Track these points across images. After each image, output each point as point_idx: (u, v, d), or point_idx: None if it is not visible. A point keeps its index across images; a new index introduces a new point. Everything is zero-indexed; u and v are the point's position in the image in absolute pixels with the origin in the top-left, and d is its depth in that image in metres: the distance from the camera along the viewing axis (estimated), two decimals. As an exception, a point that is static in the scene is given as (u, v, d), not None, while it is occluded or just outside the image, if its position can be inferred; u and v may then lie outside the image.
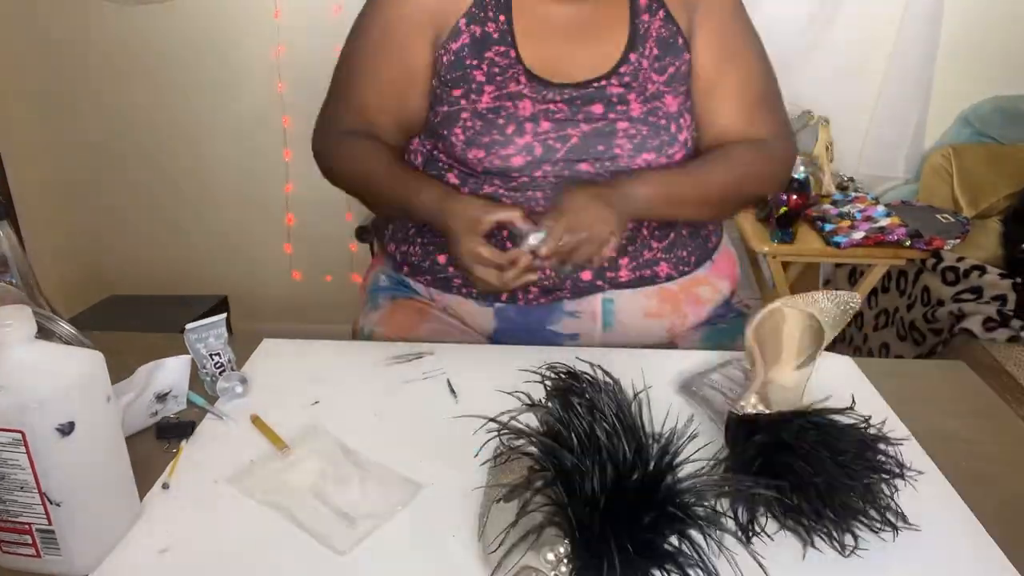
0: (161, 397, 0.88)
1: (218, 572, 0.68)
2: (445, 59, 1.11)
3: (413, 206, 1.08)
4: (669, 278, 1.15)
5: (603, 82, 1.10)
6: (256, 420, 0.87)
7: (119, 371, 0.93)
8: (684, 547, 0.59)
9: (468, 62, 1.10)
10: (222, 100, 2.66)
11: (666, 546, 0.59)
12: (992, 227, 2.32)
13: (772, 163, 1.19)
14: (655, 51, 1.12)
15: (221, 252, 2.86)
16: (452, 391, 0.94)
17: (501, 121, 1.07)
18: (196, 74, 2.62)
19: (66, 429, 0.62)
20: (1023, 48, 2.49)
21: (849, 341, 2.57)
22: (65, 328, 0.88)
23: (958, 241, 2.19)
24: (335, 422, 0.88)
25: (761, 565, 0.60)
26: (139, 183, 2.78)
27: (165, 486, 0.77)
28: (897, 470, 0.72)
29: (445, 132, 1.11)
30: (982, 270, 2.06)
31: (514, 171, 1.08)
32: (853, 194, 2.42)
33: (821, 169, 2.43)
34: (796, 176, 2.13)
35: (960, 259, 2.12)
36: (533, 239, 0.98)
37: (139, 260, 2.88)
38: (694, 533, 0.59)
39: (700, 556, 0.59)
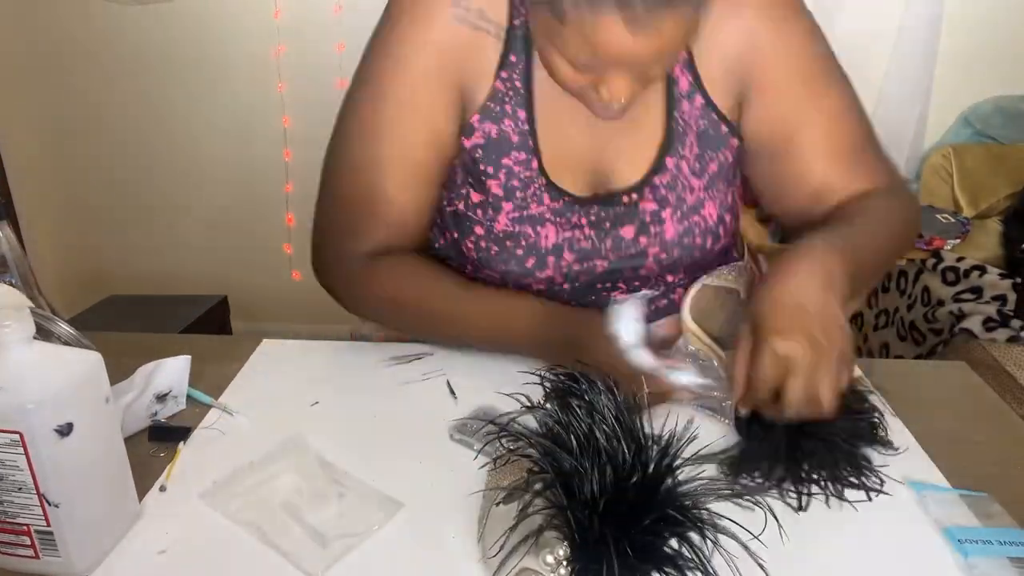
0: (161, 397, 0.88)
1: (217, 574, 0.68)
2: (464, 156, 0.95)
3: (511, 332, 0.91)
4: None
5: (634, 196, 0.94)
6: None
7: (119, 371, 0.93)
8: (684, 550, 0.59)
9: (483, 168, 0.93)
10: (222, 100, 2.66)
11: (665, 548, 0.59)
12: (992, 227, 2.32)
13: (904, 209, 0.98)
14: (695, 149, 0.95)
15: (221, 252, 2.86)
16: (452, 392, 0.94)
17: (520, 252, 0.94)
18: (196, 74, 2.63)
19: (65, 430, 0.62)
20: (1023, 48, 2.49)
21: (849, 341, 2.57)
22: (64, 328, 0.87)
23: (958, 241, 2.19)
24: (334, 423, 0.88)
25: (762, 567, 0.60)
26: (139, 183, 2.78)
27: (162, 489, 0.77)
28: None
29: (457, 235, 0.98)
30: (982, 270, 2.06)
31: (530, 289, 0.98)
32: (853, 194, 2.42)
33: (821, 169, 2.43)
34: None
35: (960, 259, 2.12)
36: (685, 378, 0.82)
37: (139, 260, 2.89)
38: (693, 535, 0.59)
39: (700, 558, 0.59)
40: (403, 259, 0.96)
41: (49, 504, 0.62)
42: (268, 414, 0.89)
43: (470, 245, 0.97)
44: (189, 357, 0.92)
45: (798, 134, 0.95)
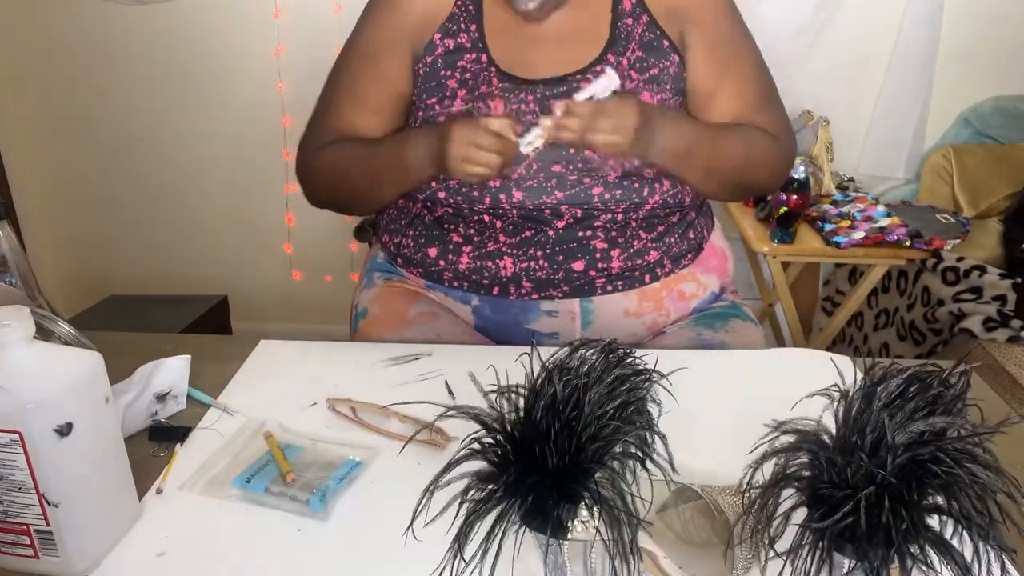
0: (161, 397, 0.89)
1: (216, 574, 0.68)
2: (421, 71, 1.13)
3: (408, 158, 1.08)
4: (659, 266, 1.15)
5: (577, 77, 1.10)
6: (269, 438, 0.85)
7: (119, 371, 0.93)
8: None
9: (442, 72, 1.12)
10: (222, 100, 2.66)
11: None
12: (992, 227, 2.32)
13: (779, 153, 1.19)
14: (638, 53, 1.12)
15: (221, 252, 2.86)
16: (450, 392, 0.94)
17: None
18: (196, 74, 2.62)
19: (64, 430, 0.62)
20: (1023, 48, 2.49)
21: (849, 341, 2.57)
22: (65, 328, 0.87)
23: (958, 241, 2.19)
24: (334, 424, 0.88)
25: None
26: (139, 183, 2.78)
27: (159, 491, 0.77)
28: None
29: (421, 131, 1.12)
30: (982, 270, 2.06)
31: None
32: (853, 194, 2.42)
33: (821, 169, 2.43)
34: (796, 176, 2.13)
35: (960, 259, 2.12)
36: (532, 135, 0.99)
37: (139, 260, 2.88)
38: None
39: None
40: (342, 141, 1.16)
41: (48, 504, 0.62)
42: (265, 415, 0.89)
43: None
44: (189, 357, 0.92)
45: (720, 88, 1.14)
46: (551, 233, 1.10)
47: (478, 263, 1.12)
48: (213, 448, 0.84)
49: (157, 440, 0.85)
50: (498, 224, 1.10)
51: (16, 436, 0.60)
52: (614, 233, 1.11)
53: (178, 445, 0.84)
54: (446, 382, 0.96)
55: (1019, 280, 1.98)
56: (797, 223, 2.18)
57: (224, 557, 0.70)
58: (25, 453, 0.60)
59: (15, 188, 2.61)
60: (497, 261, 1.11)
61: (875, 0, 2.44)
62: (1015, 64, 2.49)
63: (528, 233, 1.10)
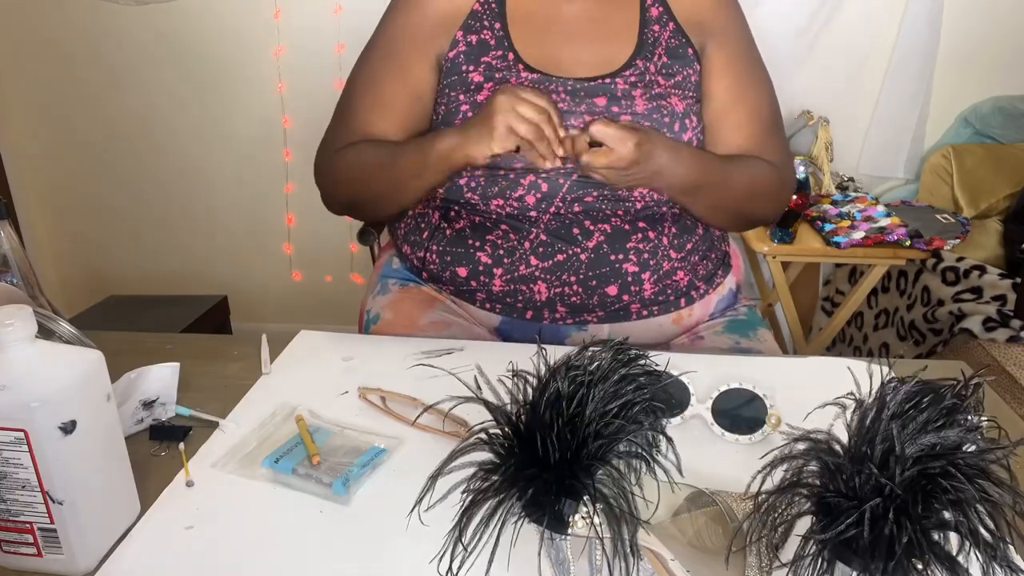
0: (148, 404, 0.88)
1: (221, 569, 0.68)
2: (445, 67, 1.13)
3: (438, 147, 1.05)
4: (692, 288, 1.16)
5: (607, 80, 1.11)
6: (299, 422, 0.86)
7: (119, 371, 0.93)
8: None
9: (464, 67, 1.11)
10: (222, 100, 2.66)
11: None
12: (992, 227, 2.32)
13: (780, 184, 1.21)
14: (664, 59, 1.14)
15: (221, 252, 2.86)
16: (478, 385, 0.93)
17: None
18: (196, 74, 2.62)
19: (68, 427, 0.62)
20: (1023, 48, 2.49)
21: (849, 341, 2.58)
22: (66, 328, 0.88)
23: (958, 241, 2.19)
24: (363, 412, 0.89)
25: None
26: (139, 183, 2.78)
27: (189, 484, 0.78)
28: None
29: (445, 127, 1.11)
30: (982, 270, 2.06)
31: (514, 165, 1.08)
32: (853, 194, 2.42)
33: (821, 169, 2.44)
34: (796, 176, 2.14)
35: (960, 259, 2.13)
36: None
37: (139, 260, 2.89)
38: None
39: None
40: (362, 143, 1.15)
41: (53, 501, 0.63)
42: (299, 401, 0.90)
43: (457, 123, 1.09)
44: (178, 365, 0.92)
45: (736, 104, 1.17)
46: (583, 257, 1.09)
47: (512, 286, 1.12)
48: (244, 432, 0.86)
49: (158, 440, 0.85)
50: (527, 245, 1.09)
51: (21, 434, 0.60)
52: (646, 255, 1.11)
53: (180, 444, 0.84)
54: (475, 376, 0.95)
55: (1019, 280, 1.99)
56: (797, 223, 2.18)
57: (248, 532, 0.71)
58: (30, 451, 0.61)
59: (16, 188, 2.61)
60: (531, 285, 1.11)
61: (875, 0, 2.44)
62: (1015, 64, 2.49)
63: (560, 257, 1.09)
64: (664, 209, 1.14)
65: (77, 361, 0.66)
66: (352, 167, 1.16)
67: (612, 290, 1.10)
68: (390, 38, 1.17)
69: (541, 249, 1.10)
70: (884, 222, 2.21)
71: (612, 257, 1.10)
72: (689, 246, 1.16)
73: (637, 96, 1.10)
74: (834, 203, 2.35)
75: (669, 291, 1.14)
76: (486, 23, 1.13)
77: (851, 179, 2.55)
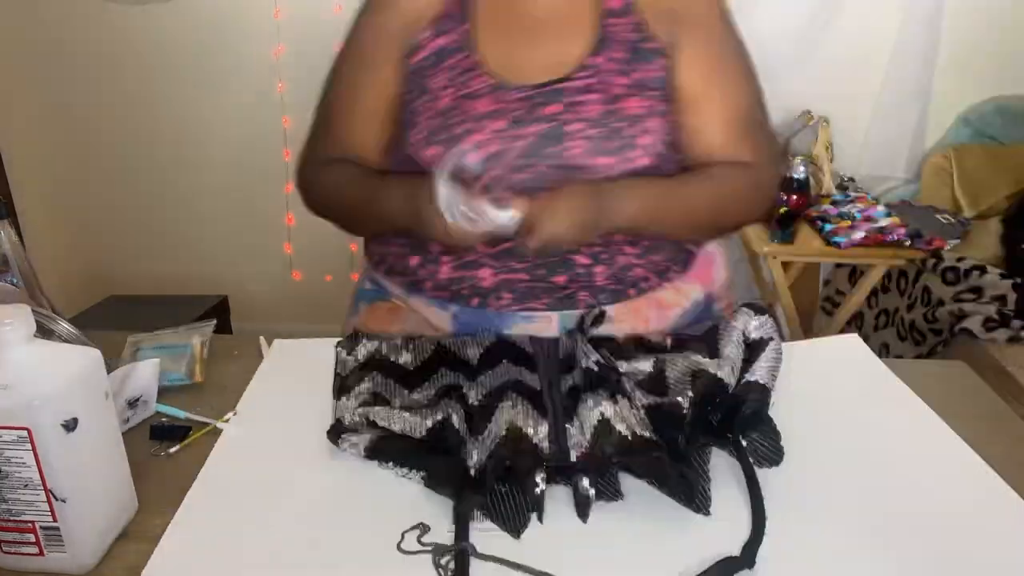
0: (132, 403, 0.88)
1: (221, 567, 0.68)
2: (409, 71, 1.11)
3: (387, 208, 1.06)
4: (643, 279, 1.12)
5: (563, 84, 1.07)
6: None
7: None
8: None
9: (428, 72, 1.10)
10: (222, 100, 2.66)
11: None
12: (992, 227, 2.32)
13: (758, 190, 1.15)
14: (622, 54, 1.09)
15: (221, 252, 2.86)
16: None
17: (458, 118, 1.06)
18: (196, 74, 2.63)
19: (70, 425, 0.62)
20: (1023, 48, 2.49)
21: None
22: (65, 327, 0.88)
23: (958, 241, 2.19)
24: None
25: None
26: (139, 183, 2.79)
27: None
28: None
29: (406, 133, 1.10)
30: (982, 270, 2.06)
31: (470, 170, 1.04)
32: (853, 194, 2.42)
33: (821, 169, 2.44)
34: (796, 176, 2.14)
35: (960, 259, 2.13)
36: (503, 216, 0.93)
37: (139, 260, 2.89)
38: None
39: None
40: (343, 165, 1.14)
41: (56, 499, 0.63)
42: (282, 415, 0.90)
43: (416, 130, 1.09)
44: (158, 361, 0.91)
45: (709, 93, 1.10)
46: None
47: (457, 273, 1.10)
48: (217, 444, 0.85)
49: (158, 439, 0.85)
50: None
51: (24, 433, 0.60)
52: (598, 248, 1.08)
53: (175, 445, 0.84)
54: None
55: (1019, 280, 1.99)
56: (797, 223, 2.18)
57: (232, 545, 0.71)
58: (33, 449, 0.61)
59: (16, 188, 2.61)
60: (476, 272, 1.09)
61: (875, 1, 2.44)
62: (1015, 64, 2.50)
63: (509, 244, 1.06)
64: None
65: (76, 359, 0.66)
66: (331, 194, 1.16)
67: (560, 279, 1.08)
68: (360, 41, 1.16)
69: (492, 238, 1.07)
70: (884, 222, 2.21)
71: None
72: (647, 243, 1.11)
73: (591, 100, 1.07)
74: (834, 203, 2.36)
75: (621, 283, 1.11)
76: (451, 25, 1.10)
77: (851, 179, 2.55)
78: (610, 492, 0.76)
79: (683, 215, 1.09)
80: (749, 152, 1.12)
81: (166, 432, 0.86)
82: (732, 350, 0.92)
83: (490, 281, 1.08)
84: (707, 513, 0.73)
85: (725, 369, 0.87)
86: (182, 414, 0.88)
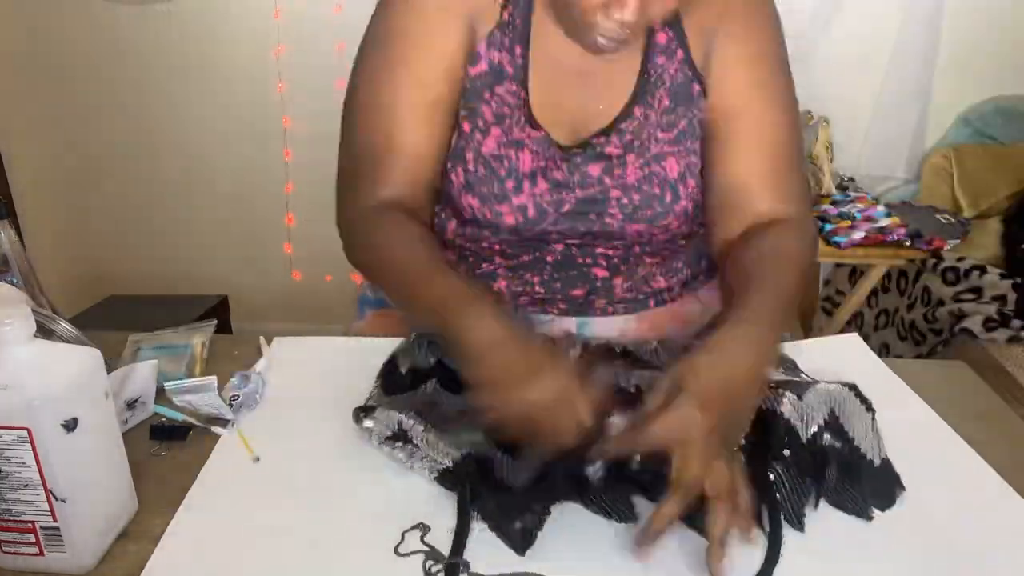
0: (131, 404, 0.87)
1: (222, 567, 0.68)
2: (466, 83, 0.98)
3: (452, 330, 0.80)
4: (667, 290, 1.07)
5: (602, 139, 0.98)
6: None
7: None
8: None
9: (484, 93, 0.98)
10: (222, 100, 2.66)
11: None
12: (992, 227, 2.32)
13: (812, 249, 1.00)
14: (665, 102, 0.98)
15: (221, 252, 2.86)
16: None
17: (503, 172, 0.97)
18: (196, 74, 2.63)
19: (70, 425, 0.62)
20: (1023, 48, 2.49)
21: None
22: (65, 328, 0.88)
23: (958, 241, 2.19)
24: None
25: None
26: (139, 183, 2.78)
27: (256, 459, 0.81)
28: None
29: (448, 166, 1.00)
30: (982, 270, 2.06)
31: (504, 227, 0.99)
32: (853, 194, 2.42)
33: (821, 169, 2.44)
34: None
35: (960, 259, 2.13)
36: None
37: (139, 260, 2.89)
38: None
39: None
40: (402, 222, 0.95)
41: (56, 499, 0.63)
42: (283, 415, 0.90)
43: (460, 170, 0.98)
44: (155, 362, 0.91)
45: (743, 110, 0.98)
46: (549, 259, 1.02)
47: (472, 283, 1.00)
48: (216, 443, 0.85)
49: (158, 439, 0.85)
50: (496, 247, 1.03)
51: (24, 433, 0.60)
52: (616, 260, 1.02)
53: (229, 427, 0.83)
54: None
55: (1019, 280, 1.99)
56: (797, 223, 2.18)
57: (232, 543, 0.71)
58: (33, 450, 0.61)
59: (16, 188, 2.61)
60: (491, 283, 1.04)
61: (875, 1, 2.44)
62: (1015, 64, 2.50)
63: (525, 258, 1.03)
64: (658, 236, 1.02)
65: (76, 359, 0.66)
66: (373, 260, 0.98)
67: (578, 292, 1.03)
68: (396, 36, 0.98)
69: (509, 250, 1.03)
70: (884, 222, 2.21)
71: (580, 260, 1.02)
72: (667, 253, 1.05)
73: (630, 162, 0.97)
74: (834, 203, 2.36)
75: (641, 294, 1.05)
76: (507, 43, 0.97)
77: (851, 179, 2.55)
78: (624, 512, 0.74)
79: (781, 314, 0.86)
80: (789, 196, 0.97)
81: (166, 432, 0.86)
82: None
83: (505, 293, 1.04)
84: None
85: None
86: (180, 416, 0.88)
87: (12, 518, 0.64)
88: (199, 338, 1.02)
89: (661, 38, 0.98)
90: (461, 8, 0.96)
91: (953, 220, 2.28)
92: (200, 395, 0.86)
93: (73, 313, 2.25)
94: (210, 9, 2.55)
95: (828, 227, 2.22)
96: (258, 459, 0.81)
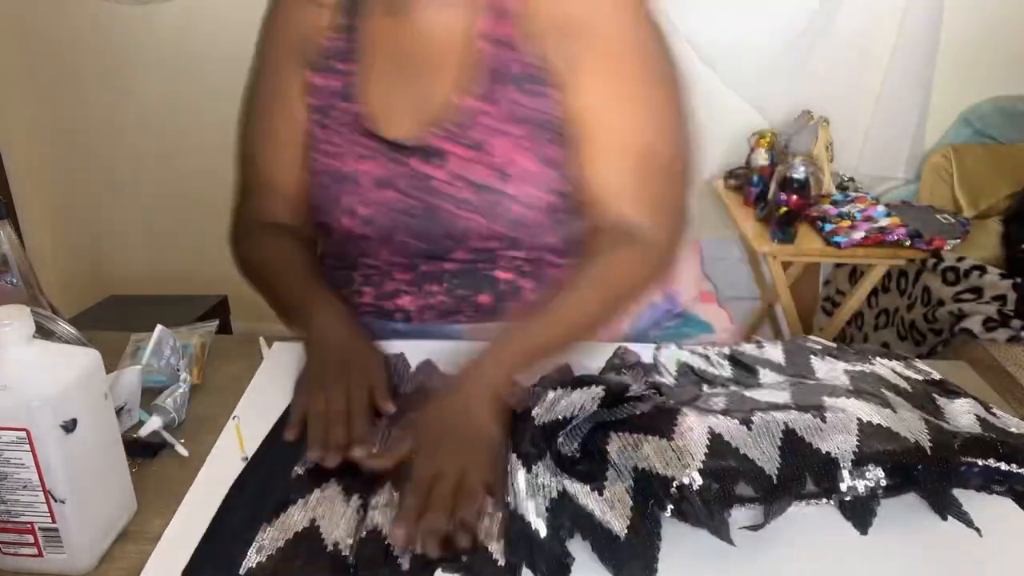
0: (117, 412, 0.86)
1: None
2: (310, 114, 1.02)
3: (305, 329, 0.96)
4: None
5: (433, 131, 0.95)
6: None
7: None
8: None
9: (322, 121, 1.00)
10: (222, 100, 2.65)
11: None
12: (992, 227, 2.32)
13: (644, 267, 0.95)
14: (513, 95, 0.93)
15: (221, 252, 2.84)
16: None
17: (326, 180, 0.99)
18: (196, 74, 2.63)
19: (70, 426, 0.62)
20: (1023, 48, 2.49)
21: (849, 341, 2.57)
22: (65, 328, 0.88)
23: (958, 241, 2.19)
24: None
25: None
26: (139, 183, 2.78)
27: (245, 459, 0.80)
28: None
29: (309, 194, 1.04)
30: (982, 270, 2.06)
31: (343, 235, 1.00)
32: (853, 194, 2.42)
33: (821, 169, 2.44)
34: (796, 176, 2.14)
35: (960, 259, 2.13)
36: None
37: (139, 260, 2.89)
38: None
39: None
40: (278, 235, 1.06)
41: (55, 500, 0.63)
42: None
43: (313, 197, 1.03)
44: (140, 368, 0.90)
45: (600, 122, 0.93)
46: (447, 266, 0.99)
47: (380, 301, 1.03)
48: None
49: (131, 456, 0.81)
50: (394, 261, 1.01)
51: (23, 434, 0.60)
52: (519, 260, 0.98)
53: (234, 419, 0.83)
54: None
55: (1019, 280, 1.99)
56: (797, 223, 2.18)
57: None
58: (32, 451, 0.61)
59: (16, 188, 2.61)
60: (396, 300, 1.02)
61: (875, 1, 2.44)
62: (1015, 64, 2.50)
63: (424, 268, 1.00)
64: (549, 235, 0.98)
65: (75, 360, 0.66)
66: (253, 267, 1.10)
67: (485, 299, 0.99)
68: (269, 65, 1.06)
69: (407, 262, 1.00)
70: (884, 222, 2.21)
71: (480, 265, 0.98)
72: (571, 245, 0.98)
73: (474, 158, 0.94)
74: (834, 203, 2.36)
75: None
76: (336, 64, 1.00)
77: (851, 179, 2.55)
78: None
79: (565, 336, 0.88)
80: (645, 211, 0.93)
81: (140, 449, 0.82)
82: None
83: (411, 307, 1.02)
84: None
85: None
86: (159, 424, 0.85)
87: (11, 519, 0.64)
88: (199, 338, 1.02)
89: (502, 31, 0.93)
90: (299, 48, 1.02)
91: (953, 220, 2.28)
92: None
93: (73, 313, 2.26)
94: (210, 9, 2.55)
95: (828, 227, 2.22)
96: (247, 459, 0.79)
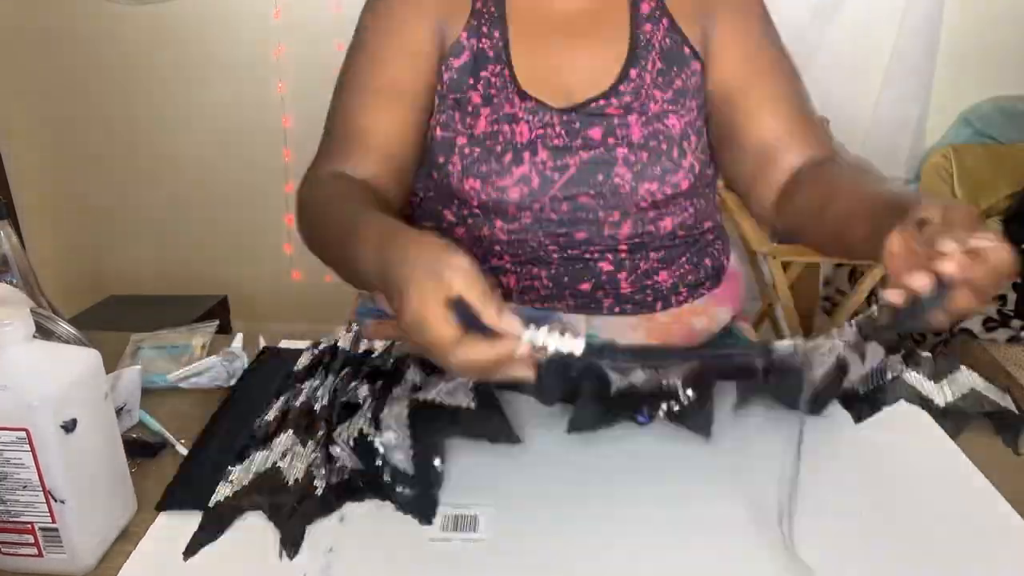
0: (116, 412, 0.86)
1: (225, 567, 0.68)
2: (447, 76, 1.03)
3: (357, 257, 0.80)
4: (673, 292, 1.06)
5: (602, 101, 1.02)
6: None
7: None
8: None
9: (469, 80, 1.02)
10: (222, 100, 2.66)
11: None
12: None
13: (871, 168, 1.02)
14: (659, 64, 1.03)
15: (221, 252, 2.86)
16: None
17: (499, 148, 0.99)
18: (196, 74, 2.63)
19: (70, 426, 0.62)
20: (1023, 48, 2.49)
21: (849, 341, 2.57)
22: (65, 328, 0.88)
23: (958, 241, 2.19)
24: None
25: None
26: (139, 183, 2.79)
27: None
28: None
29: (442, 160, 1.02)
30: (982, 270, 2.06)
31: (510, 204, 1.00)
32: (853, 194, 2.42)
33: (821, 169, 2.43)
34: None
35: (960, 259, 2.12)
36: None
37: (139, 260, 2.89)
38: None
39: None
40: (350, 182, 0.98)
41: (55, 500, 0.63)
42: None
43: (455, 159, 1.01)
44: (139, 368, 0.90)
45: (752, 79, 1.05)
46: (554, 252, 1.02)
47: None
48: None
49: (131, 456, 0.82)
50: (503, 238, 1.03)
51: (23, 434, 0.60)
52: (623, 253, 1.03)
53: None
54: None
55: (1019, 280, 1.99)
56: (797, 223, 2.18)
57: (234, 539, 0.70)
58: (32, 451, 0.61)
59: (16, 188, 2.61)
60: (500, 277, 1.04)
61: (875, 1, 2.44)
62: (1015, 64, 2.50)
63: (531, 251, 1.03)
64: (667, 220, 1.03)
65: (75, 360, 0.66)
66: (312, 225, 0.99)
67: (584, 286, 1.03)
68: (387, 14, 1.05)
69: (515, 240, 1.02)
70: (884, 222, 2.21)
71: (584, 254, 1.03)
72: (671, 247, 1.06)
73: (632, 122, 1.01)
74: (834, 203, 2.35)
75: (648, 293, 1.05)
76: (485, 29, 1.03)
77: (851, 179, 2.54)
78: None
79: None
80: (821, 146, 1.04)
81: (140, 449, 0.83)
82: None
83: (514, 287, 1.05)
84: None
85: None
86: (157, 426, 0.86)
87: (11, 519, 0.64)
88: (199, 338, 1.02)
89: (644, 8, 1.05)
90: (431, 11, 1.03)
91: (953, 220, 2.28)
92: (207, 375, 0.93)
93: (73, 313, 2.25)
94: (210, 9, 2.55)
95: (828, 227, 2.21)
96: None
